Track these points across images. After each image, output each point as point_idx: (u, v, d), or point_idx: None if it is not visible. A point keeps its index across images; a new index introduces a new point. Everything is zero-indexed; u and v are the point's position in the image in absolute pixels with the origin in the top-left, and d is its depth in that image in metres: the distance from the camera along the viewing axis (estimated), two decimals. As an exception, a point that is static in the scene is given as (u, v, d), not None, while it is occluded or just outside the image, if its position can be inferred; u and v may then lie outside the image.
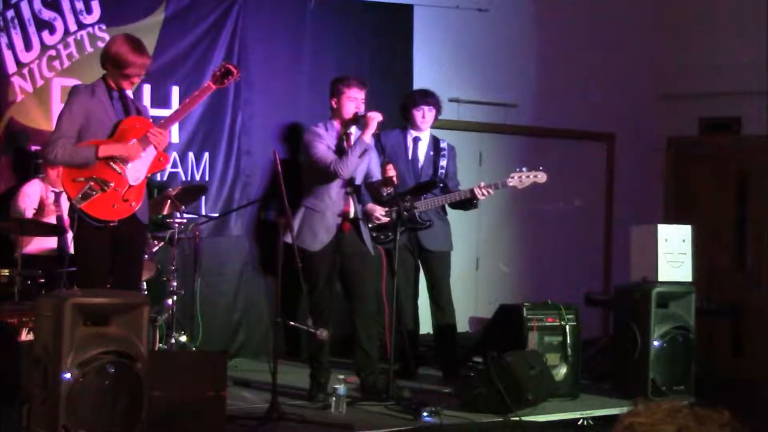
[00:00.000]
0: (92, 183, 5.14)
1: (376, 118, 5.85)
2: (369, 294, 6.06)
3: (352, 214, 5.98)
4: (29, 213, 6.23)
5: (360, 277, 6.01)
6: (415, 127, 6.90)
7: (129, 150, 5.19)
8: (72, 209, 5.22)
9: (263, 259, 7.50)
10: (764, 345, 8.25)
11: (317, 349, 5.95)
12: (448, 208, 6.96)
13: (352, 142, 5.92)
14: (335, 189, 5.92)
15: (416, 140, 6.92)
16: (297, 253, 5.59)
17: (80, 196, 5.13)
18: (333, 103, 6.03)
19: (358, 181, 6.02)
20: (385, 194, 5.98)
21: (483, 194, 6.64)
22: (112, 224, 5.18)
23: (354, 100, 5.96)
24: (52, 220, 6.14)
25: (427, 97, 6.89)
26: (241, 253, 7.51)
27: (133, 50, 5.24)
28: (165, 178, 7.03)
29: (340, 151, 5.93)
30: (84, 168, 5.16)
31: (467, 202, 6.79)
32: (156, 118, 5.74)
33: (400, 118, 6.98)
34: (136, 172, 5.24)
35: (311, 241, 5.89)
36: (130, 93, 5.47)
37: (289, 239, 5.75)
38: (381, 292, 6.60)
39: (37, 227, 6.03)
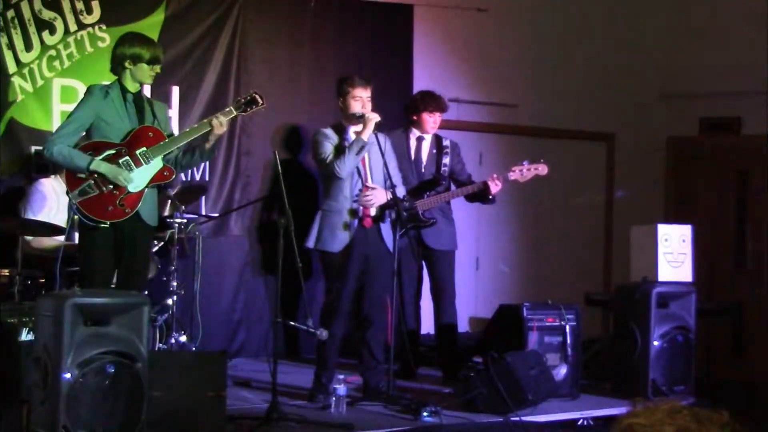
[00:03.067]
0: (92, 181, 5.17)
1: (373, 118, 5.88)
2: (383, 295, 6.00)
3: (373, 212, 5.98)
4: (40, 211, 6.22)
5: (377, 278, 5.97)
6: (423, 130, 6.89)
7: (117, 176, 5.19)
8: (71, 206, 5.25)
9: (263, 259, 7.51)
10: (764, 345, 8.25)
11: (326, 349, 5.95)
12: (452, 206, 6.94)
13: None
14: (349, 188, 5.94)
15: (420, 140, 6.91)
16: (297, 254, 5.58)
17: (77, 191, 5.17)
18: (340, 102, 6.09)
19: (375, 182, 6.01)
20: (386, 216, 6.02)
21: (497, 184, 6.62)
22: (102, 225, 5.19)
23: (359, 99, 6.00)
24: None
25: (440, 101, 6.87)
26: (241, 253, 7.52)
27: (146, 42, 5.38)
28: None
29: (343, 149, 5.95)
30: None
31: (483, 196, 6.76)
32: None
33: (402, 118, 6.97)
34: (138, 180, 5.25)
35: (331, 242, 5.91)
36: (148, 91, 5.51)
37: (311, 244, 5.85)
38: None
39: (38, 227, 6.03)
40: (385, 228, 6.02)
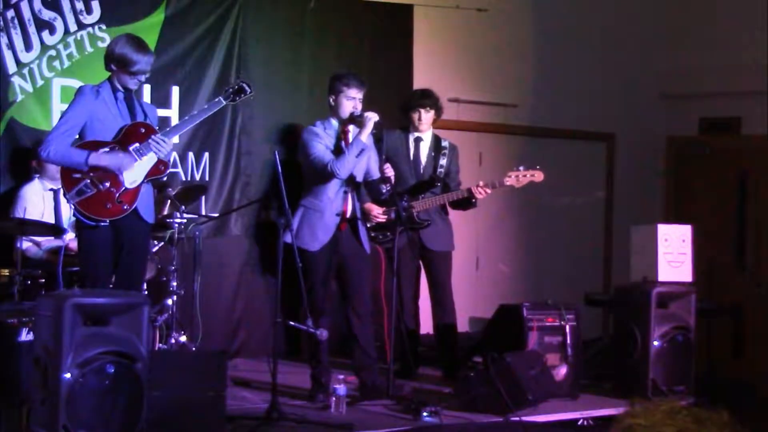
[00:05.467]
0: (88, 181, 5.18)
1: (372, 118, 5.86)
2: (366, 293, 6.06)
3: (349, 214, 5.98)
4: (30, 214, 6.23)
5: (357, 277, 6.01)
6: (415, 129, 6.90)
7: (119, 162, 5.21)
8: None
9: (263, 259, 7.50)
10: (764, 345, 8.26)
11: (316, 349, 5.95)
12: (448, 208, 6.96)
13: (350, 141, 5.93)
14: (333, 188, 5.92)
15: (418, 140, 6.91)
16: (296, 253, 5.58)
17: (75, 192, 5.17)
18: (331, 100, 6.03)
19: (359, 179, 6.02)
20: (383, 191, 5.99)
21: (480, 193, 6.64)
22: (102, 224, 5.19)
23: (352, 100, 5.96)
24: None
25: (424, 98, 6.87)
26: (241, 253, 7.51)
27: (137, 48, 5.32)
28: (165, 178, 7.01)
29: (338, 150, 5.93)
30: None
31: (466, 202, 6.79)
32: (159, 118, 5.80)
33: (402, 119, 6.97)
34: (133, 175, 5.26)
35: (310, 241, 5.89)
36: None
37: (288, 239, 5.75)
38: (380, 292, 6.59)
39: (37, 227, 6.03)
40: (362, 229, 6.03)
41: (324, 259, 5.91)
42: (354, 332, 6.02)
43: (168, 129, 5.53)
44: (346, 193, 5.96)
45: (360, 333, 6.01)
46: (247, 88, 5.53)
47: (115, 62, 5.29)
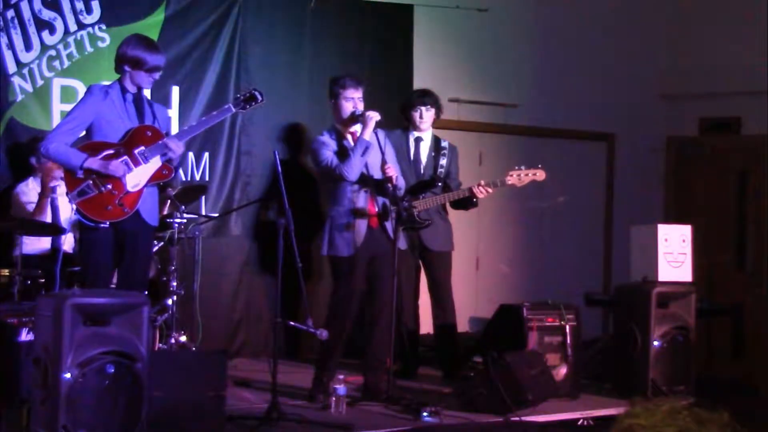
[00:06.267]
0: (90, 182, 5.18)
1: (374, 117, 5.87)
2: (392, 293, 5.90)
3: (375, 211, 5.97)
4: (29, 209, 6.25)
5: (384, 281, 5.93)
6: (416, 128, 6.90)
7: (113, 169, 5.20)
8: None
9: (263, 259, 7.50)
10: (764, 345, 8.25)
11: (329, 350, 5.94)
12: (449, 208, 6.96)
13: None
14: (352, 189, 5.93)
15: (418, 140, 6.92)
16: (297, 254, 5.58)
17: (76, 192, 5.18)
18: (332, 104, 6.06)
19: (377, 177, 6.00)
20: (389, 191, 5.98)
21: (481, 192, 6.64)
22: (102, 225, 5.19)
23: (350, 100, 5.97)
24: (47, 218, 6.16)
25: (424, 96, 6.89)
26: (241, 253, 7.52)
27: (149, 48, 5.37)
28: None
29: (343, 152, 5.93)
30: None
31: (468, 201, 6.78)
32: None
33: (402, 119, 6.98)
34: (136, 179, 5.26)
35: (345, 248, 5.89)
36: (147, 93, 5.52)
37: (325, 251, 5.89)
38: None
39: (37, 227, 6.03)
40: (390, 226, 6.01)
41: (356, 261, 5.90)
42: (373, 336, 5.98)
43: (174, 134, 5.53)
44: (366, 192, 5.96)
45: (378, 335, 5.96)
46: (258, 96, 5.54)
47: (129, 63, 5.30)
